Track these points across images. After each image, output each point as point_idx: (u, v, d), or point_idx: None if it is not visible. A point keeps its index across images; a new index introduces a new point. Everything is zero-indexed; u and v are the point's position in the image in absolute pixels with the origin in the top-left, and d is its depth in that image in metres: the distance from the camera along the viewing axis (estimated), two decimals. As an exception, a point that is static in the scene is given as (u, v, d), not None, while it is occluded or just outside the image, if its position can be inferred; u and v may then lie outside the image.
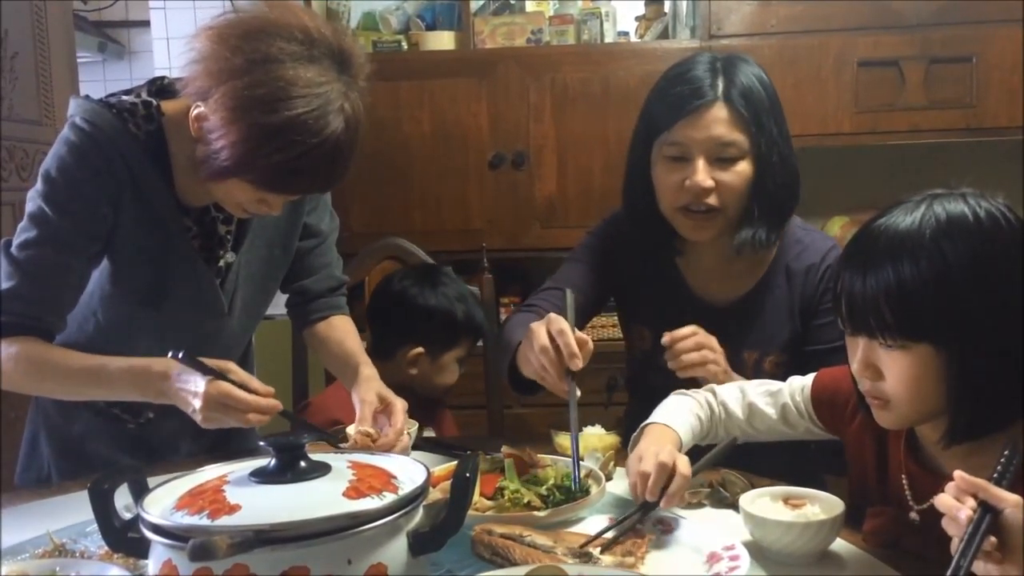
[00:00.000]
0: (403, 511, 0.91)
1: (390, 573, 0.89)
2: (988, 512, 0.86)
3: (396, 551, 0.90)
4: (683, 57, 1.63)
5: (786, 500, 1.21)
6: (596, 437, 1.54)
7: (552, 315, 1.35)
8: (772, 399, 1.38)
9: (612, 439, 1.54)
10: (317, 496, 0.91)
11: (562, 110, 2.89)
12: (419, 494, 0.95)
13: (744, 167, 1.52)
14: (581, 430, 1.53)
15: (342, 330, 1.66)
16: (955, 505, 0.88)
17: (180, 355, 1.29)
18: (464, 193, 2.96)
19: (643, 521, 1.19)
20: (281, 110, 1.22)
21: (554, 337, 1.32)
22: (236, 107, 1.23)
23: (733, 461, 1.41)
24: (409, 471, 1.00)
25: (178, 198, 1.46)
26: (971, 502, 0.87)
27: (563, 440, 1.50)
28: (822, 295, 1.58)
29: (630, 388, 1.85)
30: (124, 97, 1.43)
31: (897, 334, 1.06)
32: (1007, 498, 0.86)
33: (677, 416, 1.33)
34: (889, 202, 1.11)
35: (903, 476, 1.18)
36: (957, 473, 0.89)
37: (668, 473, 1.17)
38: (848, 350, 1.15)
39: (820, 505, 1.19)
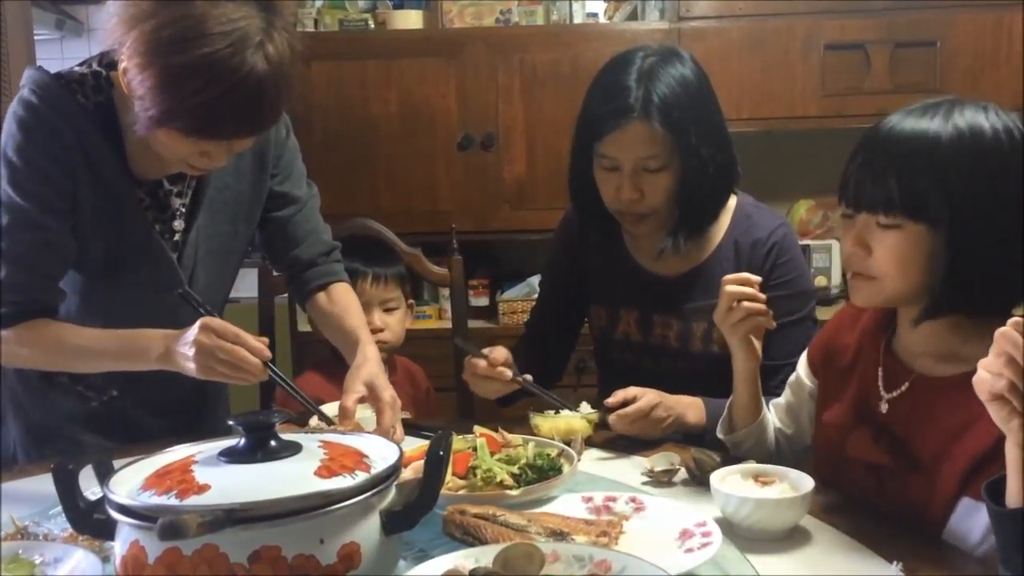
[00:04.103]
0: (375, 490, 0.91)
1: (363, 552, 0.88)
2: None
3: (368, 530, 0.90)
4: (617, 55, 1.62)
5: (756, 478, 1.23)
6: (566, 420, 1.53)
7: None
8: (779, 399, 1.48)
9: (583, 423, 1.53)
10: (288, 475, 0.90)
11: (531, 91, 2.87)
12: (391, 473, 0.94)
13: (668, 175, 1.56)
14: (559, 413, 1.54)
15: (343, 304, 1.63)
16: (998, 367, 0.87)
17: (179, 292, 1.30)
18: (433, 174, 2.94)
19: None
20: (191, 49, 1.19)
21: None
22: (147, 51, 1.21)
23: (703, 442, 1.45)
24: (381, 450, 1.00)
25: (131, 170, 1.43)
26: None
27: (540, 422, 1.51)
28: (770, 271, 1.62)
29: (598, 365, 1.87)
30: (75, 68, 1.40)
31: (897, 211, 1.11)
32: None
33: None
34: None
35: (879, 369, 1.25)
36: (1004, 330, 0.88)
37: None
38: (844, 234, 1.21)
39: (789, 482, 1.20)
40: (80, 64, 1.42)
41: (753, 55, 2.83)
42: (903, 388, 1.22)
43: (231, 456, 0.93)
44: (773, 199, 3.12)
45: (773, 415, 1.48)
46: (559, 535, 1.05)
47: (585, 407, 1.56)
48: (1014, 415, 0.87)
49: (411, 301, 2.11)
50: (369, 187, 2.93)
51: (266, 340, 1.35)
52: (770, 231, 1.64)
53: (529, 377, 1.59)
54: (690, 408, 1.52)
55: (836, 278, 2.97)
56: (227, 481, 0.88)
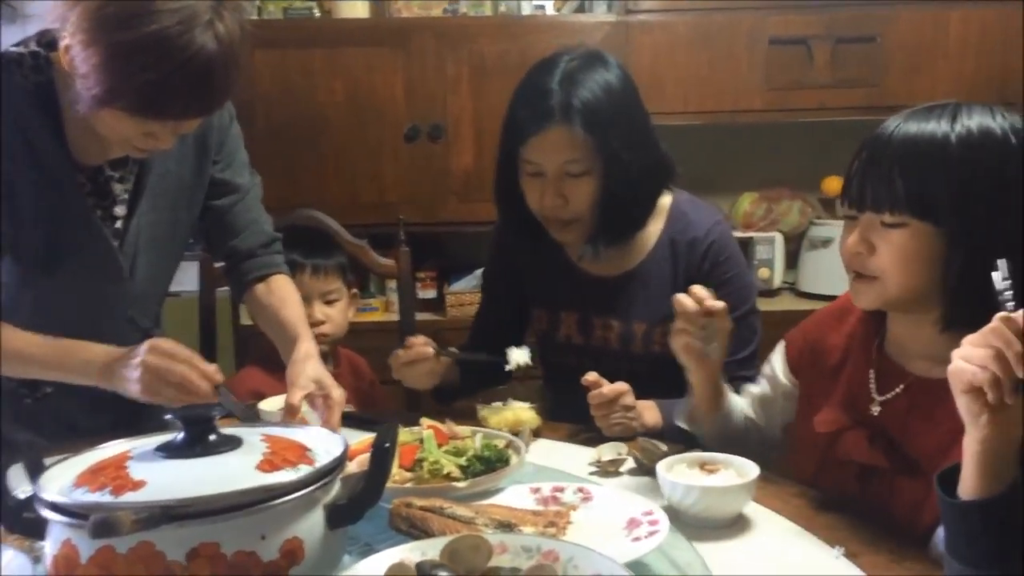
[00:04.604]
0: (319, 484, 0.89)
1: (306, 547, 0.86)
2: None
3: (312, 525, 0.88)
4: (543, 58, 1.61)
5: (702, 466, 1.24)
6: (514, 412, 1.53)
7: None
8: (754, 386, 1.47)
9: (530, 414, 1.53)
10: (228, 470, 0.87)
11: (480, 82, 2.86)
12: (336, 466, 0.93)
13: (591, 180, 1.55)
14: (504, 404, 1.54)
15: (280, 296, 1.60)
16: (984, 360, 0.86)
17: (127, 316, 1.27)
18: (379, 165, 2.90)
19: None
20: (138, 26, 1.16)
21: None
22: (92, 27, 1.18)
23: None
24: (325, 443, 0.98)
25: (71, 155, 1.39)
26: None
27: (488, 414, 1.50)
28: (710, 270, 1.62)
29: (542, 365, 1.86)
30: (11, 48, 1.35)
31: (903, 209, 1.09)
32: None
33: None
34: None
35: (871, 371, 1.24)
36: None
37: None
38: (844, 234, 1.19)
39: (735, 470, 1.21)
40: (16, 44, 1.37)
41: (699, 49, 2.85)
42: (898, 390, 1.20)
43: (168, 451, 0.91)
44: (718, 192, 3.17)
45: (745, 403, 1.47)
46: (507, 526, 1.04)
47: (515, 403, 1.55)
48: (985, 410, 0.87)
49: (354, 291, 2.08)
50: (315, 178, 2.88)
51: (216, 367, 1.32)
52: (707, 229, 1.64)
53: (454, 349, 1.59)
54: (647, 410, 1.51)
55: (779, 270, 3.01)
56: (164, 477, 0.85)
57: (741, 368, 1.56)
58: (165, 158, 1.46)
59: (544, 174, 1.55)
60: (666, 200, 1.68)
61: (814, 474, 1.28)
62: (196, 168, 1.52)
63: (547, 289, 1.75)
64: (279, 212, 2.25)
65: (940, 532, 1.05)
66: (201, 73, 1.20)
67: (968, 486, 0.89)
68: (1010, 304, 0.89)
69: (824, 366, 1.31)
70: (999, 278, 0.92)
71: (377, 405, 2.02)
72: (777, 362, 1.43)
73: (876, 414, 1.21)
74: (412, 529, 1.05)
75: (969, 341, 0.89)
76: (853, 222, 1.16)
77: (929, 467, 1.10)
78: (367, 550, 1.02)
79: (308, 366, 1.42)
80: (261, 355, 1.97)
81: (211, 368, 1.30)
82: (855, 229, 1.15)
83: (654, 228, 1.67)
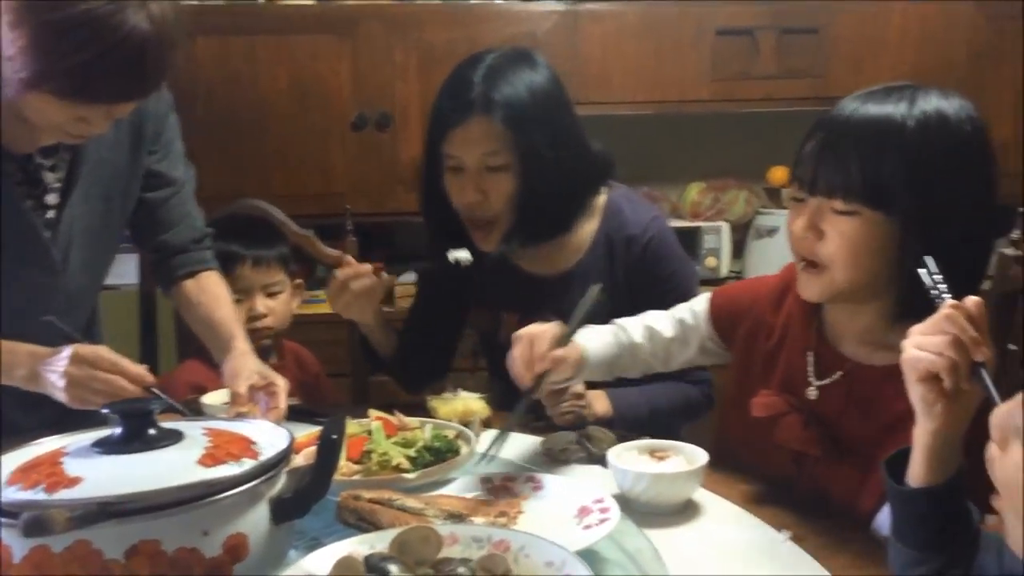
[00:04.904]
0: (264, 477, 0.87)
1: (250, 543, 0.84)
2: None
3: (257, 519, 0.86)
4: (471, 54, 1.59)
5: (651, 452, 1.24)
6: (463, 402, 1.52)
7: (550, 323, 1.28)
8: (667, 318, 1.42)
9: (480, 404, 1.52)
10: (168, 465, 0.85)
11: (428, 71, 2.83)
12: (281, 459, 0.91)
13: (510, 176, 1.52)
14: (453, 394, 1.52)
15: (212, 293, 1.56)
16: (940, 347, 0.86)
17: (45, 319, 1.22)
18: (326, 155, 2.86)
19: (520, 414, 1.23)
20: (67, 6, 1.12)
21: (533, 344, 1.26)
22: (19, 7, 1.13)
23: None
24: (270, 436, 0.96)
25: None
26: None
27: (437, 404, 1.49)
28: (651, 268, 1.61)
29: (486, 360, 1.85)
30: None
31: (856, 198, 1.07)
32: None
33: (586, 338, 1.34)
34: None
35: (808, 355, 1.23)
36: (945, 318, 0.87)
37: (531, 339, 1.23)
38: (792, 216, 1.16)
39: (684, 456, 1.22)
40: None
41: (647, 39, 2.86)
42: (836, 376, 1.19)
43: (106, 447, 0.88)
44: (666, 181, 3.19)
45: (637, 337, 1.40)
46: (457, 517, 1.03)
47: (464, 394, 1.54)
48: (940, 398, 0.87)
49: (298, 282, 2.04)
50: (259, 168, 2.83)
51: (145, 367, 1.28)
52: (644, 227, 1.62)
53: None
54: (597, 399, 1.51)
55: (726, 259, 3.05)
56: (101, 473, 0.82)
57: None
58: (99, 146, 1.41)
59: (464, 168, 1.53)
60: (601, 197, 1.66)
61: (756, 459, 1.28)
62: (131, 157, 1.48)
63: (486, 289, 1.73)
64: (221, 202, 2.21)
65: (881, 516, 1.07)
66: (134, 54, 1.17)
67: (917, 473, 0.90)
68: (947, 297, 0.90)
69: (763, 346, 1.30)
70: (926, 275, 0.93)
71: (323, 398, 1.99)
72: (700, 313, 1.39)
73: (813, 398, 1.21)
74: (361, 522, 1.03)
75: (921, 330, 0.89)
76: (801, 204, 1.14)
77: (865, 455, 1.11)
78: (314, 545, 1.00)
79: (248, 360, 1.40)
80: (202, 348, 1.92)
81: (139, 371, 1.27)
82: (803, 213, 1.13)
83: (590, 226, 1.65)
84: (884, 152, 1.06)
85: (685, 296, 1.53)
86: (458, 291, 1.77)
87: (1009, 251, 1.53)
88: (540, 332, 1.24)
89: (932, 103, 1.08)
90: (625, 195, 1.69)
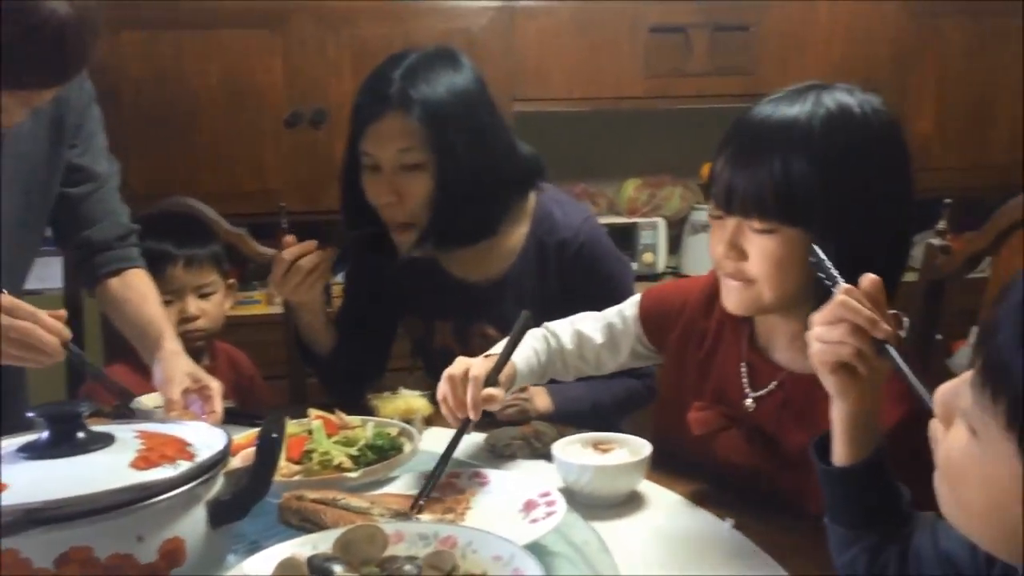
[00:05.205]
0: (201, 479, 0.84)
1: (187, 547, 0.81)
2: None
3: (194, 523, 0.83)
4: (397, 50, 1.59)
5: (595, 445, 1.24)
6: (405, 400, 1.50)
7: (477, 362, 1.22)
8: (597, 323, 1.40)
9: (422, 402, 1.51)
10: (99, 469, 0.82)
11: (363, 67, 2.70)
12: (218, 460, 0.88)
13: (426, 177, 1.49)
14: (395, 392, 1.50)
15: (140, 291, 1.51)
16: (840, 336, 0.87)
17: None
18: (259, 152, 2.80)
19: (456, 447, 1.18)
20: None
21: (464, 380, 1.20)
22: None
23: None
24: (206, 438, 0.93)
25: None
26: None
27: (379, 403, 1.47)
28: (586, 272, 1.59)
29: (422, 361, 1.83)
30: None
31: (773, 217, 1.06)
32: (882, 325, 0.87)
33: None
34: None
35: (742, 365, 1.22)
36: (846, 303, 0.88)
37: (460, 381, 1.17)
38: (714, 233, 1.14)
39: (628, 448, 1.22)
40: None
41: (582, 36, 2.87)
42: (771, 387, 1.18)
43: (32, 451, 0.84)
44: (603, 178, 3.21)
45: (568, 343, 1.38)
46: (403, 515, 1.02)
47: (405, 392, 1.52)
48: (855, 383, 0.88)
49: (232, 281, 1.98)
50: (190, 165, 2.75)
51: (63, 314, 1.23)
52: (575, 230, 1.60)
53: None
54: (538, 395, 1.50)
55: (662, 255, 3.08)
56: (27, 478, 0.79)
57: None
58: (17, 139, 1.35)
59: (380, 167, 1.50)
60: (531, 201, 1.64)
61: (693, 452, 1.25)
62: (51, 151, 1.42)
63: (418, 297, 1.70)
64: (149, 201, 2.14)
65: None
66: (53, 38, 1.12)
67: (840, 453, 0.91)
68: (840, 282, 0.91)
69: (696, 352, 1.28)
70: (816, 264, 0.94)
71: (259, 400, 1.94)
72: (630, 318, 1.38)
73: (751, 410, 1.20)
74: (304, 523, 1.01)
75: (820, 320, 0.89)
76: (720, 220, 1.12)
77: (805, 462, 1.06)
78: (254, 548, 0.98)
79: (180, 361, 1.36)
80: (124, 351, 1.86)
81: (56, 323, 1.22)
82: (724, 230, 1.11)
83: (520, 231, 1.63)
84: (793, 160, 1.04)
85: (621, 297, 1.51)
86: (386, 297, 1.74)
87: (936, 241, 1.57)
88: (473, 376, 1.18)
89: (836, 98, 1.07)
90: (555, 198, 1.66)
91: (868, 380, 0.88)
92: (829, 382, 0.90)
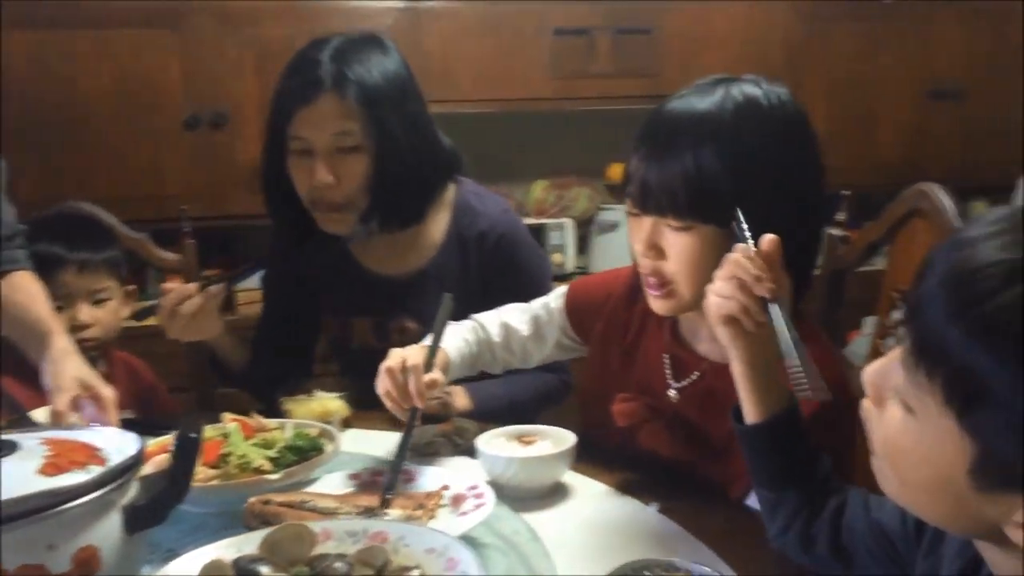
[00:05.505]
0: (114, 484, 0.80)
1: (102, 556, 0.77)
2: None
3: (108, 530, 0.79)
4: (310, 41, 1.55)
5: (520, 438, 1.24)
6: (320, 403, 1.47)
7: (412, 351, 1.21)
8: (523, 314, 1.40)
9: (339, 403, 1.47)
10: (4, 476, 0.76)
11: (265, 68, 2.72)
12: (132, 464, 0.83)
13: (362, 158, 1.48)
14: (309, 396, 1.47)
15: (27, 291, 1.42)
16: (729, 291, 0.90)
17: None
18: (157, 156, 2.70)
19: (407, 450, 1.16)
20: None
21: (404, 370, 1.19)
22: None
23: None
24: (117, 442, 0.88)
25: None
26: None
27: (293, 407, 1.43)
28: (505, 264, 1.60)
29: (338, 362, 1.80)
30: None
31: (688, 215, 1.07)
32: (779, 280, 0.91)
33: (447, 340, 1.31)
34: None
35: (665, 357, 1.23)
36: (739, 260, 0.91)
37: (400, 372, 1.16)
38: (632, 231, 1.15)
39: (552, 440, 1.22)
40: None
41: (488, 37, 2.88)
42: (693, 377, 1.19)
43: (-73, 463, 0.78)
44: (511, 179, 3.22)
45: (495, 335, 1.39)
46: (371, 511, 1.00)
47: (321, 394, 1.49)
48: (739, 336, 0.92)
49: (131, 287, 1.88)
50: (83, 169, 2.63)
51: None
52: (493, 222, 1.60)
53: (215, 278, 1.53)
54: (457, 395, 1.48)
55: (571, 255, 3.10)
56: (-77, 490, 0.73)
57: None
58: None
59: (313, 151, 1.47)
60: (451, 193, 1.63)
61: (617, 443, 1.27)
62: None
63: (335, 296, 1.67)
64: (38, 207, 2.03)
65: (750, 503, 1.09)
66: None
67: (748, 411, 0.94)
68: (749, 243, 0.94)
69: (620, 343, 1.30)
70: (736, 228, 0.96)
71: (162, 411, 1.86)
72: (556, 309, 1.38)
73: (675, 400, 1.21)
74: (265, 527, 0.97)
75: (717, 276, 0.93)
76: (638, 218, 1.13)
77: (728, 449, 1.10)
78: (170, 557, 0.93)
79: (68, 365, 1.28)
80: (14, 364, 1.75)
81: None
82: (642, 229, 1.12)
83: (440, 224, 1.62)
84: (704, 155, 1.04)
85: (540, 288, 1.52)
86: (305, 296, 1.70)
87: (836, 232, 1.64)
88: (411, 365, 1.17)
89: (743, 89, 1.08)
90: (474, 190, 1.66)
91: (756, 335, 0.91)
92: (720, 333, 0.93)
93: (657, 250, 1.11)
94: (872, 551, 0.85)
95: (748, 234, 0.95)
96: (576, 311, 1.37)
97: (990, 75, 3.17)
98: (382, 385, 1.19)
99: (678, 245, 1.09)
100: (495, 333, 1.39)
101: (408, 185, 1.52)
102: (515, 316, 1.40)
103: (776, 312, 0.89)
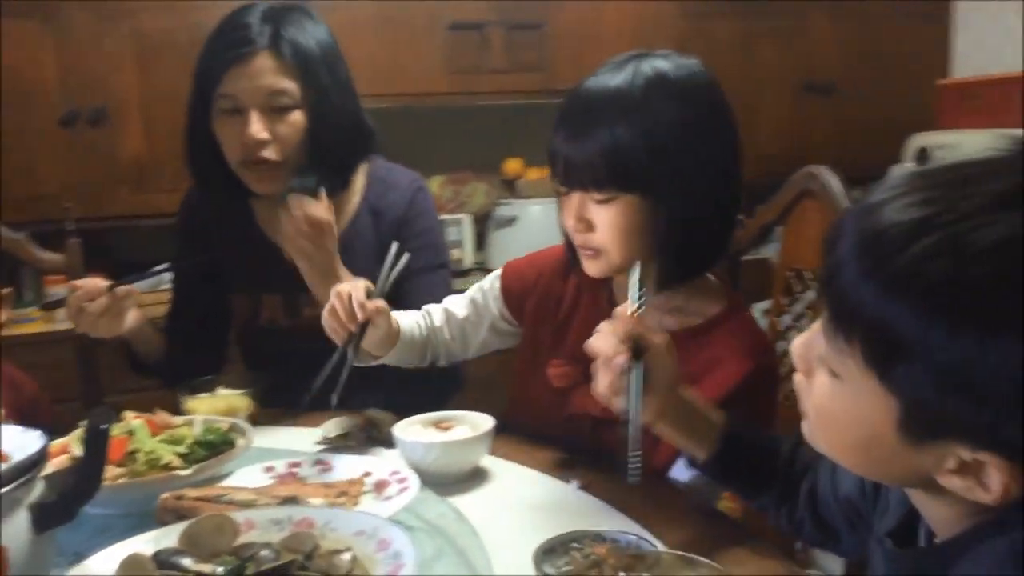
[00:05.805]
0: (19, 481, 0.75)
1: (12, 556, 0.72)
2: (641, 354, 0.92)
3: (15, 529, 0.75)
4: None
5: (437, 424, 1.23)
6: (225, 400, 1.42)
7: (357, 284, 1.24)
8: (461, 299, 1.42)
9: (243, 400, 1.43)
10: None
11: (146, 62, 2.62)
12: (37, 460, 0.79)
13: (298, 117, 1.48)
14: (212, 393, 1.42)
15: None
16: (609, 351, 0.93)
17: None
18: (31, 154, 2.55)
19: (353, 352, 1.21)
20: None
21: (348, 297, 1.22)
22: None
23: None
24: (17, 440, 0.83)
25: None
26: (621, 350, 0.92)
27: (195, 405, 1.38)
28: (406, 223, 1.61)
29: (242, 353, 1.75)
30: None
31: (608, 187, 1.12)
32: (654, 338, 0.94)
33: (398, 316, 1.32)
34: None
35: (600, 324, 1.24)
36: (612, 321, 0.94)
37: (346, 294, 1.20)
38: (563, 208, 1.20)
39: (469, 424, 1.22)
40: None
41: (382, 32, 2.85)
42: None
43: None
44: (408, 175, 3.19)
45: (438, 320, 1.41)
46: (293, 500, 0.96)
47: (224, 391, 1.45)
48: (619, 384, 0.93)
49: (7, 290, 1.78)
50: (-53, 170, 2.47)
51: None
52: (406, 186, 1.63)
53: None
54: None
55: (469, 251, 3.11)
56: None
57: None
58: None
59: (244, 110, 1.44)
60: (363, 168, 1.64)
61: (555, 429, 1.27)
62: None
63: (245, 273, 1.63)
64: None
65: (676, 468, 1.09)
66: None
67: (693, 454, 0.99)
68: (636, 304, 0.97)
69: (553, 318, 1.32)
70: (633, 284, 0.99)
71: (46, 423, 1.74)
72: (491, 291, 1.40)
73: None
74: (181, 522, 0.93)
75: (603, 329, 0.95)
76: (567, 196, 1.18)
77: None
78: (77, 560, 0.89)
79: None
80: None
81: None
82: (570, 205, 1.17)
83: (354, 198, 1.62)
84: (619, 129, 1.09)
85: (439, 253, 1.61)
86: (217, 276, 1.66)
87: (734, 217, 1.69)
88: (353, 285, 1.22)
89: (652, 67, 1.13)
90: (385, 165, 1.68)
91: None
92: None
93: (586, 223, 1.17)
94: (849, 520, 0.89)
95: (637, 292, 0.98)
96: (511, 292, 1.39)
97: (862, 71, 3.35)
98: (326, 311, 1.22)
99: (604, 216, 1.14)
100: (438, 319, 1.41)
101: (343, 146, 1.53)
102: (455, 301, 1.43)
103: (636, 376, 0.92)
